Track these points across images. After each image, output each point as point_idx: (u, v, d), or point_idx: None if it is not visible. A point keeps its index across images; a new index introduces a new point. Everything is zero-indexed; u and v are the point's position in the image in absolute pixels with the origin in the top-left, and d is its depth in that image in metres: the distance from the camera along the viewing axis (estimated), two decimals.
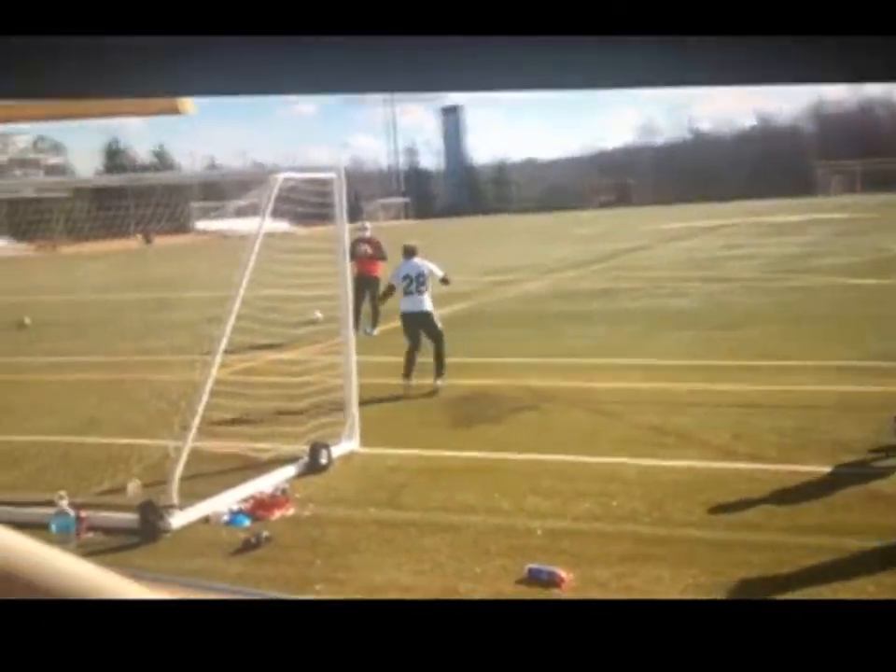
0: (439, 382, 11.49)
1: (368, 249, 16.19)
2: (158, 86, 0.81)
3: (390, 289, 12.19)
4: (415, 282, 11.58)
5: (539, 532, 6.70)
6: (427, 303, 11.69)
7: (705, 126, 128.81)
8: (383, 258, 16.92)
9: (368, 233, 17.11)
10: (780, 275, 23.42)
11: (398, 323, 17.73)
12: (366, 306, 16.27)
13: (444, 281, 12.00)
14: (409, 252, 11.88)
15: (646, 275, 25.32)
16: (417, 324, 11.69)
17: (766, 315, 16.61)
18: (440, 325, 11.69)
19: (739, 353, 13.04)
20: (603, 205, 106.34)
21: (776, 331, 14.77)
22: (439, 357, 11.59)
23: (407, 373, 11.58)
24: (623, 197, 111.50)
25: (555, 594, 5.69)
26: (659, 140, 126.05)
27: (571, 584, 5.79)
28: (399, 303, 11.89)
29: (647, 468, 8.05)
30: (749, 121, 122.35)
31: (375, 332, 16.46)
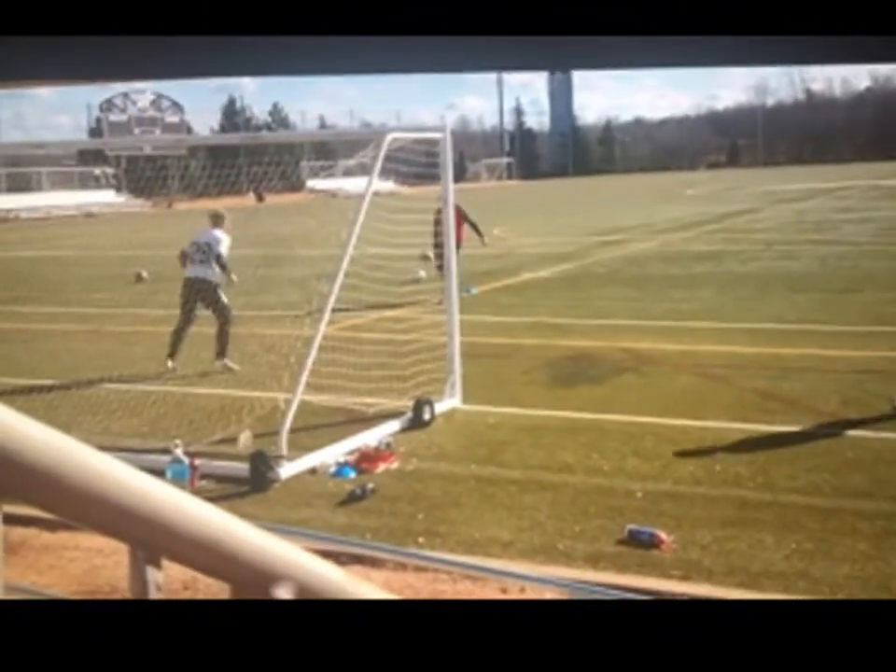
0: (218, 362, 10.87)
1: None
2: (274, 65, 0.90)
3: (181, 256, 11.16)
4: (200, 250, 10.89)
5: (639, 494, 6.70)
6: (210, 273, 10.85)
7: (818, 87, 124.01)
8: (469, 221, 16.51)
9: None
10: (894, 240, 22.58)
11: (499, 283, 17.82)
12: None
13: (220, 264, 10.87)
14: (213, 220, 11.20)
15: (755, 238, 24.70)
16: (195, 292, 10.86)
17: (879, 281, 16.08)
18: (225, 299, 10.96)
19: (850, 318, 12.69)
20: (712, 166, 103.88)
21: (889, 297, 14.30)
22: (220, 334, 10.93)
23: (172, 352, 10.93)
24: (732, 158, 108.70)
25: (655, 555, 5.72)
26: (771, 101, 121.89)
27: (671, 546, 5.80)
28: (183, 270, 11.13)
29: (751, 432, 7.95)
30: (863, 83, 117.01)
31: (474, 291, 16.51)
